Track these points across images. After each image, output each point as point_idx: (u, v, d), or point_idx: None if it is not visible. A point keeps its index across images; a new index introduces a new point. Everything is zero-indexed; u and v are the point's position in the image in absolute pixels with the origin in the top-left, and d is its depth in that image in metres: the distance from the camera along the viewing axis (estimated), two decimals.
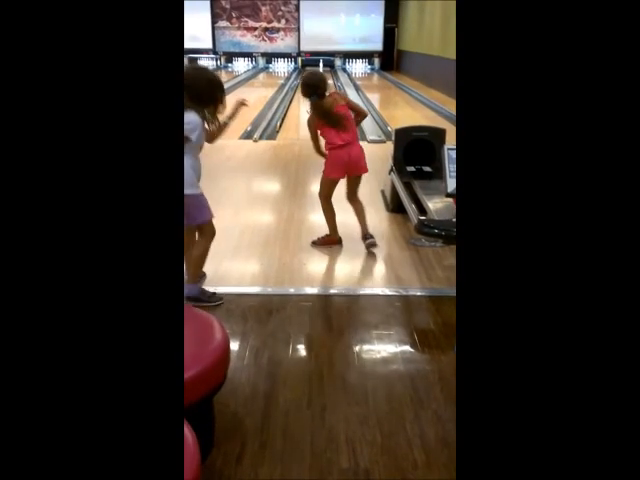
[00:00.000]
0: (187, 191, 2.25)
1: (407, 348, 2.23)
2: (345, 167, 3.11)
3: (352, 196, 3.24)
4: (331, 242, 3.25)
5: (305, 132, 3.33)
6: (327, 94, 3.02)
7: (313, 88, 2.99)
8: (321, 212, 3.30)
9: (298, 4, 18.76)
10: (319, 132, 3.10)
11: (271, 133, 7.08)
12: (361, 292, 2.72)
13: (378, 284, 2.84)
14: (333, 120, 2.98)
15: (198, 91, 2.27)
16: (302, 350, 2.22)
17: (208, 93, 2.33)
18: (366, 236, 3.18)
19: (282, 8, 19.00)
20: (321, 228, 3.63)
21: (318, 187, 3.34)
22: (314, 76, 3.13)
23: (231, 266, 3.01)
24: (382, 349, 2.23)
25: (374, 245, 3.15)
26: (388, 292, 2.72)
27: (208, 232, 2.48)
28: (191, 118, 2.26)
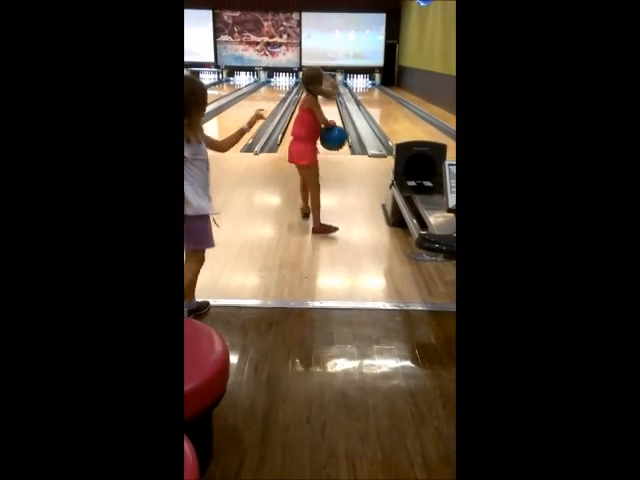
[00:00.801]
0: (199, 211, 2.27)
1: (408, 363, 2.22)
2: (289, 156, 3.82)
3: (312, 188, 3.78)
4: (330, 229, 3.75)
5: None
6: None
7: (307, 78, 3.60)
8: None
9: (300, 20, 18.98)
10: (300, 119, 3.66)
11: (272, 146, 7.11)
12: (362, 306, 2.70)
13: (379, 298, 2.83)
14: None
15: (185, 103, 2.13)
16: (302, 364, 2.20)
17: (192, 103, 2.20)
18: (315, 229, 3.74)
19: (284, 23, 19.22)
20: (322, 242, 3.63)
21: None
22: (307, 69, 3.70)
23: (231, 278, 3.00)
24: (383, 364, 2.21)
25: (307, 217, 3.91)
26: (389, 306, 2.70)
27: (197, 258, 2.42)
28: None
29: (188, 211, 2.22)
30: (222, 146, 2.55)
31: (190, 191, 2.25)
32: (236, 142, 2.62)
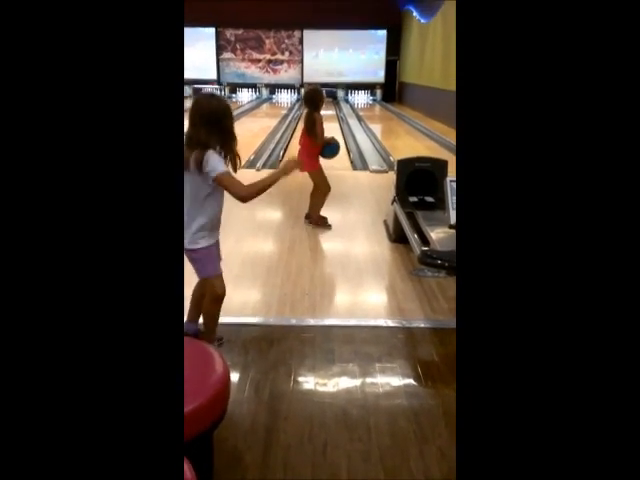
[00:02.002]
0: (200, 244, 2.10)
1: (410, 382, 2.20)
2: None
3: (319, 194, 4.31)
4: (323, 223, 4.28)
5: None
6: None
7: (308, 101, 4.16)
8: (324, 239, 4.05)
9: (302, 37, 19.21)
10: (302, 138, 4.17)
11: (274, 162, 7.15)
12: (363, 323, 2.69)
13: (381, 315, 2.81)
14: (309, 127, 4.08)
15: (222, 122, 2.01)
16: (303, 383, 2.18)
17: (229, 124, 2.06)
18: (308, 216, 4.32)
19: (286, 41, 19.46)
20: (324, 258, 3.62)
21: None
22: (311, 91, 4.26)
23: (232, 296, 2.98)
24: (385, 382, 2.19)
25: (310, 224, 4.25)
26: (391, 324, 2.69)
27: (210, 290, 2.23)
28: (214, 154, 1.97)
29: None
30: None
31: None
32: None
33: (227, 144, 2.04)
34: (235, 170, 2.10)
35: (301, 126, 4.27)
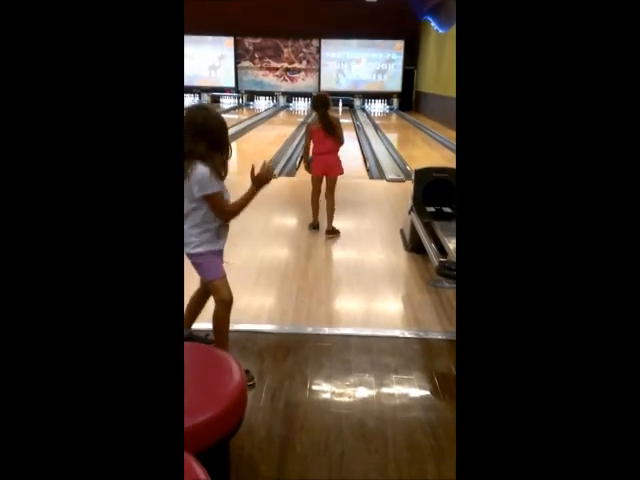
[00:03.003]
0: (201, 249, 2.08)
1: (428, 394, 2.17)
2: (323, 169, 4.25)
3: (328, 193, 4.29)
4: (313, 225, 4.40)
5: None
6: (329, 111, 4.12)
7: (325, 102, 4.10)
8: (340, 247, 4.11)
9: (319, 46, 19.33)
10: (311, 140, 4.18)
11: (290, 170, 7.18)
12: (380, 333, 2.67)
13: (397, 325, 2.79)
14: (331, 129, 4.07)
15: (215, 135, 2.01)
16: (320, 392, 2.17)
17: (224, 137, 2.06)
18: (329, 230, 4.26)
19: (304, 50, 19.58)
20: (339, 266, 3.61)
21: (336, 224, 4.34)
22: (324, 95, 4.27)
23: (249, 303, 3.00)
24: (402, 394, 2.17)
25: (332, 238, 4.22)
26: (408, 334, 2.67)
27: (216, 296, 2.18)
28: (205, 172, 1.96)
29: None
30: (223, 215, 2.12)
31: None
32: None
33: (213, 156, 2.00)
34: (222, 178, 2.06)
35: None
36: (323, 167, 4.21)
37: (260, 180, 2.07)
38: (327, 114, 4.08)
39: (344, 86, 19.25)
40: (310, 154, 4.24)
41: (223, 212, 2.06)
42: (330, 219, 4.28)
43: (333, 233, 4.24)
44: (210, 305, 2.29)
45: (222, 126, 2.06)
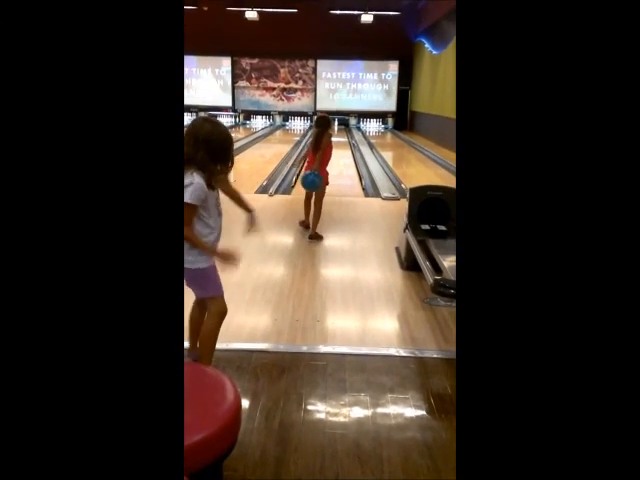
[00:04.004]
0: (201, 265, 2.07)
1: (424, 414, 2.15)
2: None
3: (317, 201, 4.72)
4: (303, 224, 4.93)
5: None
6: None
7: (320, 122, 4.75)
8: (335, 265, 4.14)
9: (315, 66, 19.59)
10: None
11: (286, 188, 7.21)
12: (375, 352, 2.66)
13: (393, 344, 2.78)
14: (317, 147, 4.64)
15: (217, 148, 2.02)
16: (315, 412, 2.15)
17: (227, 150, 2.07)
18: (312, 235, 4.66)
19: (300, 70, 19.84)
20: (335, 285, 3.61)
21: (332, 242, 4.57)
22: (322, 116, 4.93)
23: (243, 321, 2.98)
24: (398, 414, 2.15)
25: (314, 242, 4.60)
26: (403, 353, 2.65)
27: (211, 307, 2.21)
28: (193, 182, 1.96)
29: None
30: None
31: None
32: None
33: (210, 166, 2.01)
34: (213, 189, 2.06)
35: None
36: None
37: (223, 254, 2.09)
38: (320, 133, 4.62)
39: (339, 106, 19.46)
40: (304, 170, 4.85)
41: (185, 228, 1.97)
42: (314, 225, 4.68)
43: (315, 238, 4.63)
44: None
45: (227, 140, 2.06)
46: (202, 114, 18.88)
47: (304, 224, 4.93)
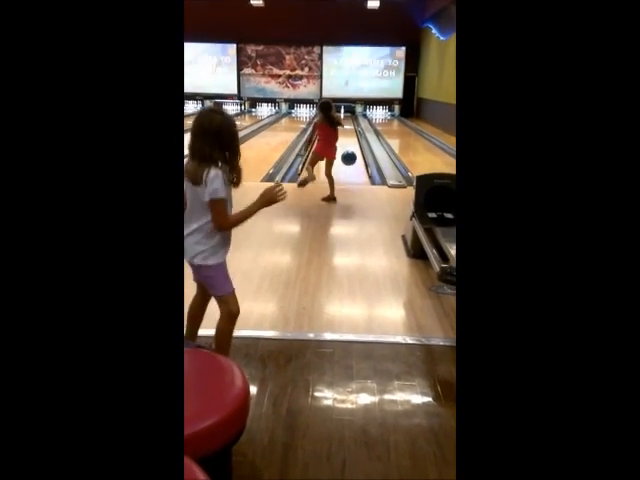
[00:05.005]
0: (211, 261, 2.06)
1: (430, 401, 2.17)
2: (322, 151, 5.70)
3: (328, 173, 5.71)
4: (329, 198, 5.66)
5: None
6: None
7: (330, 106, 5.61)
8: (342, 253, 4.19)
9: (321, 53, 19.43)
10: (318, 129, 5.73)
11: (293, 176, 7.20)
12: (382, 340, 2.67)
13: (399, 331, 2.79)
14: (335, 124, 5.56)
15: (230, 141, 2.00)
16: (322, 399, 2.17)
17: (237, 142, 2.04)
18: (328, 197, 5.65)
19: (305, 57, 19.68)
20: (342, 272, 3.62)
21: (338, 230, 4.80)
22: (329, 100, 5.86)
23: (251, 309, 3.00)
24: (404, 401, 2.16)
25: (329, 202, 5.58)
26: (410, 340, 2.66)
27: (225, 309, 2.16)
28: (218, 175, 1.94)
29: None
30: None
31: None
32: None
33: (230, 159, 2.01)
34: (237, 185, 2.07)
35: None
36: (322, 149, 5.67)
37: (265, 198, 2.06)
38: (330, 114, 5.51)
39: (346, 93, 19.32)
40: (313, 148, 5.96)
41: (223, 221, 2.02)
42: (332, 189, 5.61)
43: (331, 199, 5.58)
44: (211, 312, 2.29)
45: (236, 131, 2.05)
46: (208, 102, 18.86)
47: (329, 198, 5.61)
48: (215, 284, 2.15)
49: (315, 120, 5.91)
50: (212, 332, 2.26)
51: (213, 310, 2.25)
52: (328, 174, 5.67)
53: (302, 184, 5.65)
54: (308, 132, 12.77)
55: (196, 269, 2.12)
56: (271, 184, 2.10)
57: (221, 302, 2.17)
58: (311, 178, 5.58)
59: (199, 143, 1.95)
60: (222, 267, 2.13)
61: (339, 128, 5.60)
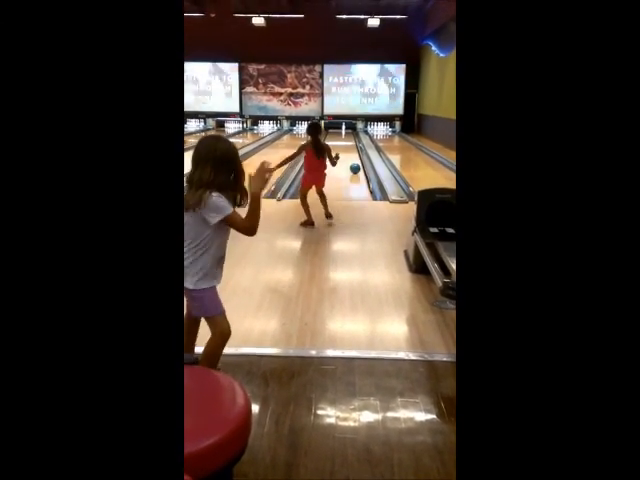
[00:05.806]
0: (203, 285, 2.07)
1: (434, 418, 2.14)
2: (311, 183, 5.35)
3: (319, 194, 5.38)
4: (307, 223, 5.23)
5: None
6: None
7: (318, 129, 5.39)
8: (344, 268, 4.14)
9: (322, 71, 19.64)
10: (304, 156, 5.30)
11: (294, 193, 7.21)
12: (384, 356, 2.65)
13: (402, 347, 2.77)
14: (322, 152, 5.16)
15: (235, 166, 2.07)
16: (324, 417, 2.14)
17: (241, 166, 2.10)
18: (328, 214, 5.38)
19: (307, 75, 19.90)
20: (343, 288, 3.61)
21: (340, 245, 4.78)
22: (317, 122, 5.94)
23: (252, 326, 2.99)
24: (408, 418, 2.14)
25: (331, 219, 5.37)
26: (413, 356, 2.64)
27: (215, 330, 2.15)
28: (221, 195, 1.99)
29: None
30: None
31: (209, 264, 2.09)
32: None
33: (235, 180, 2.08)
34: (244, 204, 2.10)
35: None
36: (311, 181, 5.34)
37: (255, 179, 2.06)
38: (319, 139, 5.20)
39: (347, 110, 19.49)
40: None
41: (246, 227, 2.04)
42: (326, 207, 5.35)
43: (331, 217, 5.35)
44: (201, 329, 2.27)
45: (237, 156, 2.12)
46: (210, 120, 19.03)
47: (307, 223, 5.19)
48: (204, 306, 2.14)
49: (304, 143, 5.38)
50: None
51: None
52: (320, 194, 5.33)
53: (303, 225, 5.26)
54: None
55: (187, 292, 2.10)
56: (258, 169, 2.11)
57: (212, 323, 2.16)
58: (309, 222, 5.19)
59: (200, 171, 1.99)
60: (213, 290, 2.13)
61: (333, 160, 5.15)
